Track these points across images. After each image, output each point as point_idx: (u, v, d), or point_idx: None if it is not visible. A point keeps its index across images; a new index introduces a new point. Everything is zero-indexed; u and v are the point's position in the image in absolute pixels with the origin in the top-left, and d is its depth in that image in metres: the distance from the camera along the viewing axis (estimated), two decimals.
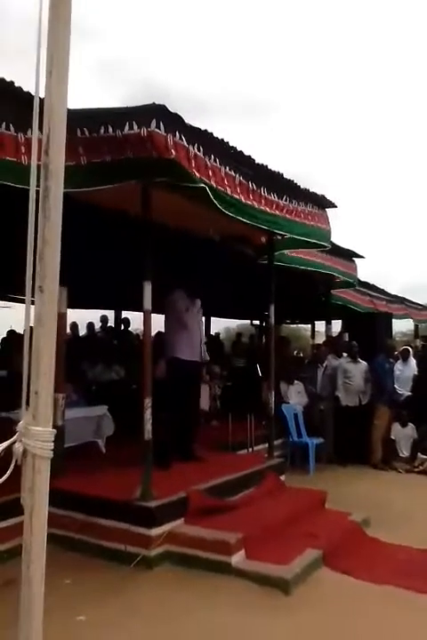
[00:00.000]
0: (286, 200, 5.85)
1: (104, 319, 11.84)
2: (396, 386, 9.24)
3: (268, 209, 5.56)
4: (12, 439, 1.43)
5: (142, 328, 5.12)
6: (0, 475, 1.46)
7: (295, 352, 15.39)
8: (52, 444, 1.44)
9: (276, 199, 5.68)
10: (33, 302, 1.48)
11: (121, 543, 4.52)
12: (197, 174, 4.43)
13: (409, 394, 9.24)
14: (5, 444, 1.44)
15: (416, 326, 16.92)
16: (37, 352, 1.44)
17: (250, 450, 7.57)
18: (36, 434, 1.42)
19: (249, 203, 5.22)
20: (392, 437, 9.04)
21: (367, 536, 5.34)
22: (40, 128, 1.52)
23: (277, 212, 5.74)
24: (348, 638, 3.50)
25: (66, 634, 3.18)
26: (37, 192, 1.49)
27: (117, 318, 12.59)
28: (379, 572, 4.47)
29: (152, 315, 4.89)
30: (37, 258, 1.45)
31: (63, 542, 4.40)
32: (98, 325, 11.66)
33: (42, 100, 1.51)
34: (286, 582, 4.09)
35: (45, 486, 1.44)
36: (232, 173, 4.94)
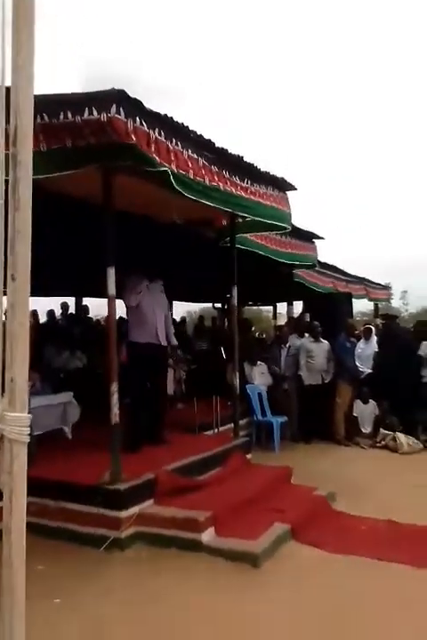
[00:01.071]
0: (247, 182, 5.91)
1: (65, 306, 11.74)
2: (358, 364, 9.47)
3: (232, 190, 5.60)
4: None
5: (106, 314, 5.13)
6: None
7: (258, 334, 15.56)
8: (29, 428, 1.48)
9: (238, 181, 5.73)
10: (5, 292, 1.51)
11: (91, 527, 4.56)
12: (157, 159, 4.45)
13: (370, 371, 9.48)
14: None
15: (376, 305, 17.29)
16: (12, 339, 1.47)
17: (216, 431, 7.67)
18: (12, 419, 1.46)
19: (214, 184, 5.25)
20: (355, 414, 9.28)
21: (333, 509, 5.52)
22: (7, 119, 1.54)
23: (241, 194, 5.79)
24: (317, 608, 3.61)
25: (42, 618, 3.22)
26: (6, 182, 1.51)
27: (78, 305, 12.49)
28: (345, 544, 4.63)
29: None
30: (9, 247, 1.47)
31: (34, 529, 4.35)
32: (58, 312, 11.55)
33: (7, 89, 1.53)
34: (256, 556, 4.21)
35: (23, 470, 1.48)
36: (195, 156, 4.95)
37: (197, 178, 4.98)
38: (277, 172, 6.48)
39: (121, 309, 6.30)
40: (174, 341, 6.70)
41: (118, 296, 5.06)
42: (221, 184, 5.38)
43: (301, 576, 4.08)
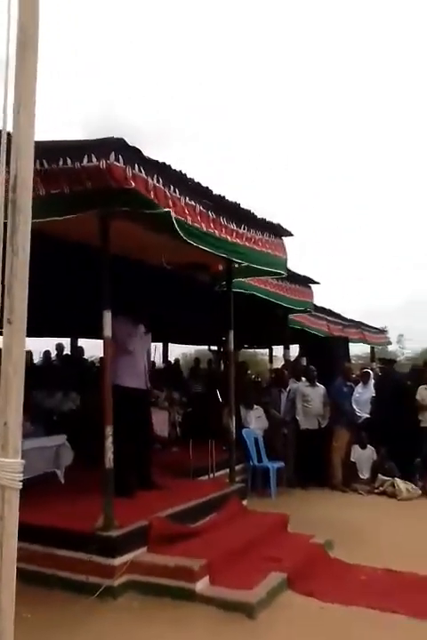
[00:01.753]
0: (244, 228, 5.99)
1: (60, 347, 11.73)
2: (355, 408, 9.43)
3: (228, 237, 5.68)
4: None
5: (101, 356, 5.11)
6: None
7: (254, 377, 15.52)
8: (22, 474, 1.46)
9: (235, 227, 5.81)
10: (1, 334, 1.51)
11: (83, 574, 4.45)
12: (156, 202, 4.52)
13: (368, 416, 9.44)
14: None
15: (372, 349, 17.32)
16: (6, 383, 1.47)
17: (211, 476, 7.57)
18: (5, 465, 1.45)
19: (210, 231, 5.32)
20: (353, 460, 9.19)
21: (331, 558, 5.42)
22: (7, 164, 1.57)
23: (237, 240, 5.87)
24: None
25: None
26: (5, 225, 1.53)
27: (73, 346, 12.49)
28: (343, 594, 4.54)
29: None
30: (6, 291, 1.49)
31: (23, 575, 4.25)
32: (53, 353, 11.54)
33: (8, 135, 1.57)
34: (251, 607, 4.11)
35: (15, 516, 1.46)
36: (192, 203, 5.03)
37: (195, 224, 5.04)
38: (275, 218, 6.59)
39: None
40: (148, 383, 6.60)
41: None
42: (217, 231, 5.44)
43: (297, 627, 4.00)
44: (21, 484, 1.45)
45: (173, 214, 4.65)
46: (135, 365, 6.03)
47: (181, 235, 4.84)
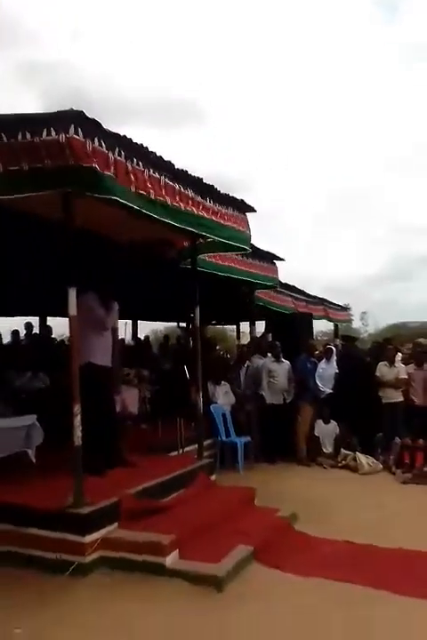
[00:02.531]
0: (209, 202, 5.98)
1: (28, 326, 11.57)
2: (319, 383, 9.60)
3: (194, 210, 5.66)
4: None
5: (68, 334, 5.08)
6: None
7: (222, 353, 15.63)
8: None
9: (201, 200, 5.80)
10: None
11: (54, 552, 4.48)
12: (116, 181, 4.46)
13: (331, 392, 9.63)
14: None
15: (336, 326, 17.60)
16: None
17: (180, 451, 7.65)
18: None
19: (176, 205, 5.29)
20: (316, 434, 9.39)
21: (295, 531, 5.57)
22: None
23: (203, 214, 5.85)
24: (280, 631, 3.64)
25: None
26: None
27: (41, 325, 12.33)
28: (308, 566, 4.67)
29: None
30: None
31: None
32: (22, 333, 11.38)
33: None
34: (219, 579, 4.21)
35: None
36: (156, 176, 4.99)
37: (159, 198, 5.00)
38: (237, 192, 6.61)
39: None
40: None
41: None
42: (182, 204, 5.41)
43: (264, 598, 4.10)
44: None
45: (133, 191, 4.59)
46: (104, 343, 6.01)
47: (145, 211, 4.81)
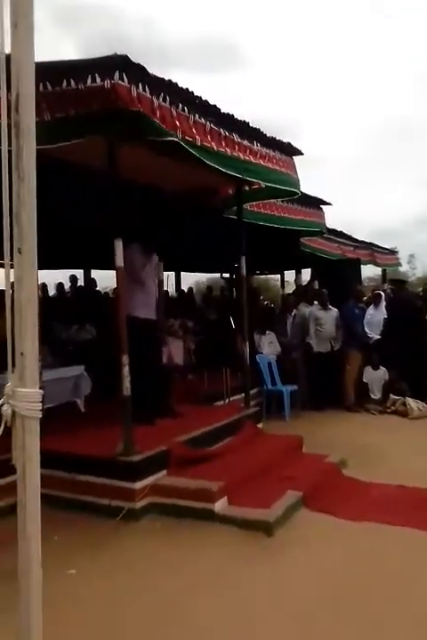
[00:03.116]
0: (256, 145, 5.79)
1: (73, 279, 11.72)
2: (367, 330, 9.42)
3: (240, 155, 5.50)
4: None
5: (114, 287, 5.07)
6: None
7: (266, 303, 15.51)
8: (41, 404, 1.46)
9: (247, 144, 5.63)
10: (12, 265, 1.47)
11: (106, 498, 4.59)
12: (163, 126, 4.36)
13: (380, 337, 9.44)
14: None
15: (384, 271, 17.15)
16: (20, 314, 1.44)
17: (227, 401, 7.69)
18: (23, 395, 1.43)
19: (221, 150, 5.15)
20: (365, 380, 9.26)
21: (345, 476, 5.53)
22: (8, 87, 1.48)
23: (250, 158, 5.68)
24: (332, 575, 3.62)
25: (58, 587, 3.25)
26: (10, 152, 1.46)
27: (86, 278, 12.47)
28: (359, 510, 4.64)
29: None
30: (14, 219, 1.43)
31: (48, 501, 4.38)
32: (67, 285, 11.55)
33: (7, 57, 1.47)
34: (269, 525, 4.22)
35: (36, 445, 1.46)
36: (202, 121, 4.86)
37: (205, 143, 4.88)
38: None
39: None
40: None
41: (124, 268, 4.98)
42: (228, 149, 5.27)
43: (314, 543, 4.10)
44: (41, 413, 1.45)
45: (179, 137, 4.50)
46: (147, 296, 5.98)
47: (194, 153, 4.69)
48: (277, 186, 6.43)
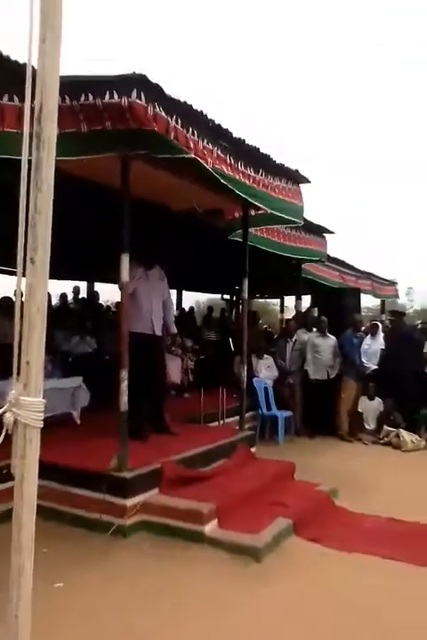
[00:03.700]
0: (261, 175, 5.86)
1: (76, 290, 11.76)
2: (363, 360, 9.43)
3: (246, 182, 5.57)
4: (2, 409, 1.44)
5: (116, 299, 5.08)
6: None
7: (265, 327, 15.54)
8: (43, 414, 1.46)
9: (252, 173, 5.69)
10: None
11: (97, 513, 4.56)
12: (177, 144, 4.42)
13: (376, 368, 9.45)
14: None
15: (383, 302, 17.22)
16: (29, 323, 1.45)
17: (221, 422, 7.67)
18: (27, 404, 1.44)
19: (230, 174, 5.22)
20: (360, 410, 9.26)
21: (335, 505, 5.49)
22: (32, 96, 1.50)
23: (255, 186, 5.75)
24: (319, 605, 3.59)
25: (45, 600, 3.21)
26: (29, 162, 1.48)
27: (89, 290, 12.51)
28: (347, 540, 4.61)
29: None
30: (29, 229, 1.44)
31: (40, 512, 4.36)
32: (70, 296, 11.58)
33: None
34: (258, 550, 4.19)
35: (36, 455, 1.46)
36: (210, 146, 4.91)
37: (215, 166, 4.94)
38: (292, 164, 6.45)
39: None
40: (174, 329, 6.50)
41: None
42: (236, 175, 5.33)
43: (302, 572, 4.06)
44: (42, 423, 1.45)
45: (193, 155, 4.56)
46: (140, 309, 5.85)
47: (209, 170, 4.73)
48: (280, 215, 6.49)
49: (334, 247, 11.28)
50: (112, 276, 4.90)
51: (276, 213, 6.43)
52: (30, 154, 1.46)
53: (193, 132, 4.62)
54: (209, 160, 4.82)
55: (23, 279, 1.47)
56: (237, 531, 4.46)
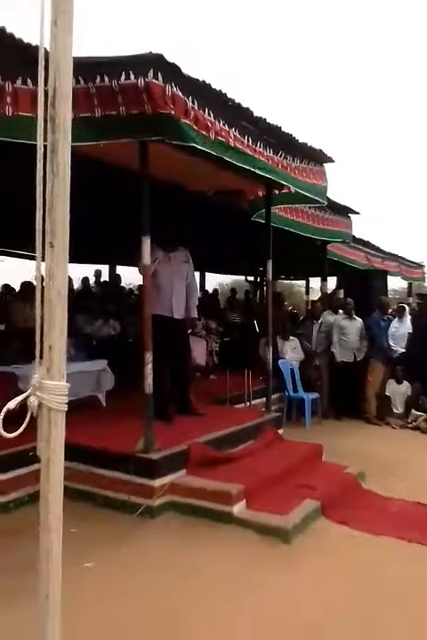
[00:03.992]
0: (281, 156, 5.75)
1: (98, 274, 11.83)
2: (391, 343, 9.30)
3: (266, 162, 5.48)
4: (27, 393, 1.46)
5: (137, 283, 5.08)
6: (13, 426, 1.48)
7: (290, 308, 15.45)
8: (67, 397, 1.47)
9: (272, 154, 5.58)
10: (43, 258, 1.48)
11: (125, 494, 4.61)
12: (194, 127, 4.34)
13: (403, 351, 9.32)
14: (20, 397, 1.47)
15: (410, 284, 16.94)
16: (50, 307, 1.45)
17: (248, 404, 7.67)
18: (50, 388, 1.45)
19: (249, 152, 5.12)
20: (388, 394, 9.16)
21: (363, 488, 5.46)
22: (45, 80, 1.49)
23: (275, 167, 5.66)
24: (346, 586, 3.59)
25: (74, 581, 3.26)
26: (45, 147, 1.47)
27: (111, 273, 12.57)
28: (375, 524, 4.58)
29: None
30: (47, 213, 1.44)
31: (68, 493, 4.44)
32: (92, 280, 11.66)
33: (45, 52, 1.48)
34: (286, 532, 4.20)
35: (61, 438, 1.47)
36: (227, 128, 4.82)
37: (237, 145, 4.86)
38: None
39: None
40: (194, 314, 6.44)
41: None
42: (255, 154, 5.25)
43: (330, 554, 4.07)
44: (66, 406, 1.46)
45: (212, 139, 4.48)
46: (160, 293, 5.81)
47: (224, 157, 4.67)
48: (304, 193, 6.40)
49: (361, 228, 11.14)
50: (134, 260, 4.87)
51: (300, 191, 6.33)
52: (45, 138, 1.45)
53: (209, 112, 4.53)
54: (230, 140, 4.75)
55: (43, 264, 1.48)
56: (266, 511, 4.47)
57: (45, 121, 1.46)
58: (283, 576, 3.70)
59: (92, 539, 4.04)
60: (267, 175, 5.58)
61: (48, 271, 1.46)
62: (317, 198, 6.71)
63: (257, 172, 5.32)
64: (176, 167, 5.62)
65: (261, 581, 3.60)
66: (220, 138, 4.62)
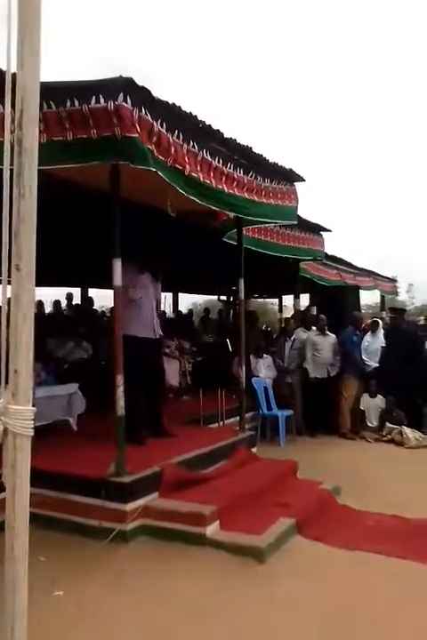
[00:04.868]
0: (251, 176, 5.79)
1: (70, 297, 11.73)
2: (364, 357, 9.42)
3: (231, 191, 5.48)
4: None
5: (110, 305, 5.05)
6: None
7: (264, 326, 15.52)
8: (33, 422, 1.44)
9: (241, 176, 5.61)
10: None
11: (96, 519, 4.52)
12: (155, 152, 4.37)
13: (377, 365, 9.43)
14: None
15: (383, 298, 17.20)
16: (16, 331, 1.43)
17: (221, 423, 7.65)
18: (16, 412, 1.42)
19: (207, 181, 5.10)
20: (362, 408, 9.24)
21: (338, 504, 5.47)
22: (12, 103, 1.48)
23: (244, 194, 5.68)
24: (323, 604, 3.57)
25: (44, 610, 3.20)
26: (11, 171, 1.46)
27: (83, 296, 12.49)
28: (351, 539, 4.58)
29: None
30: (13, 236, 1.43)
31: (37, 520, 4.35)
32: (64, 303, 11.55)
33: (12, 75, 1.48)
34: (261, 551, 4.17)
35: (27, 464, 1.45)
36: (195, 150, 4.85)
37: (192, 174, 4.84)
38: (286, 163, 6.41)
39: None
40: (160, 332, 6.39)
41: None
42: (214, 181, 5.21)
43: (306, 571, 4.04)
44: (33, 431, 1.43)
45: (169, 165, 4.49)
46: (142, 314, 5.89)
47: (177, 188, 4.71)
48: (266, 219, 6.45)
49: (333, 246, 11.29)
50: (106, 282, 4.85)
51: (261, 219, 6.39)
52: (12, 162, 1.44)
53: (178, 135, 4.57)
54: (188, 167, 4.74)
55: (9, 287, 1.46)
56: (240, 531, 4.44)
57: (12, 144, 1.45)
58: (258, 597, 3.66)
59: (62, 567, 3.95)
60: (215, 207, 5.59)
61: (14, 294, 1.45)
62: (285, 221, 6.80)
63: (201, 202, 5.29)
64: (146, 187, 5.62)
65: (236, 604, 3.56)
66: (177, 166, 4.63)
